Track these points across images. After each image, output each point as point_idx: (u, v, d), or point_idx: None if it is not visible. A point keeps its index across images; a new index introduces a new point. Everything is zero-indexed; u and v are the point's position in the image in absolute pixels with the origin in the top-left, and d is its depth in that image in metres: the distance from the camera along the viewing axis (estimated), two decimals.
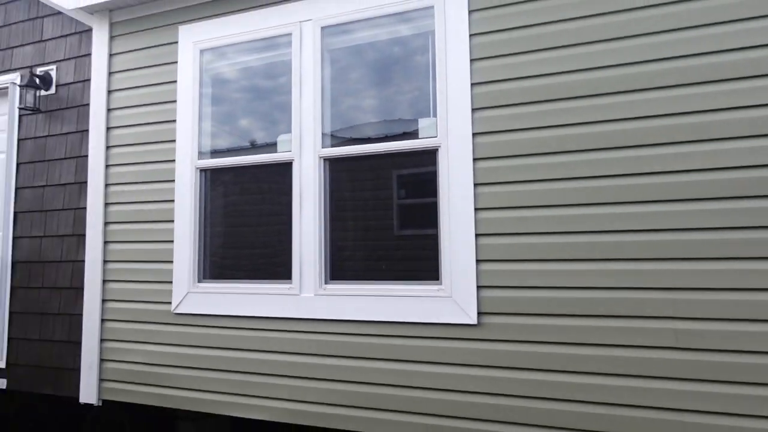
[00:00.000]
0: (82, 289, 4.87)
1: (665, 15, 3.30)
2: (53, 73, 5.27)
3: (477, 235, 3.59)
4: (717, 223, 3.10)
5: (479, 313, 3.55)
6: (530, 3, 3.61)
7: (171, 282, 4.50)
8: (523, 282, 3.47)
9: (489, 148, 3.61)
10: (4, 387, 5.15)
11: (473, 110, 3.67)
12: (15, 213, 5.31)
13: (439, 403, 3.61)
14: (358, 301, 3.86)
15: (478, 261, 3.58)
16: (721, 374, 3.03)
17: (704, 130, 3.17)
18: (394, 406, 3.71)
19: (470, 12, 3.73)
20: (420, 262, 3.79)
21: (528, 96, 3.55)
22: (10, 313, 5.21)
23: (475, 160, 3.64)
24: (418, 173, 3.86)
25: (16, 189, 5.33)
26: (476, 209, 3.61)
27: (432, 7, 3.83)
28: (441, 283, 3.65)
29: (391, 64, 4.00)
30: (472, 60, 3.70)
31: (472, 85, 3.69)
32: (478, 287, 3.56)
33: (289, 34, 4.28)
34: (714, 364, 3.05)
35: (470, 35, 3.72)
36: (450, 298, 3.61)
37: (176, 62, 4.68)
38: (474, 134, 3.65)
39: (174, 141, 4.61)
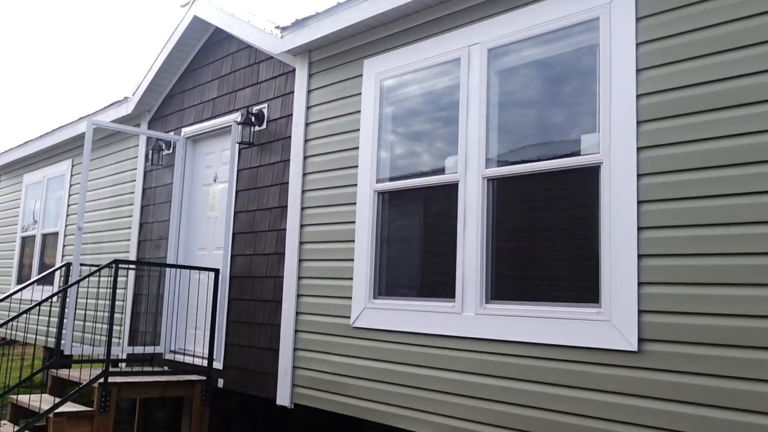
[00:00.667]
0: (280, 302, 5.41)
1: None
2: (265, 111, 6.00)
3: (639, 256, 3.34)
4: None
5: (640, 340, 3.28)
6: (700, 4, 3.31)
7: (350, 297, 4.82)
8: (691, 308, 3.14)
9: (651, 163, 3.36)
10: (221, 386, 5.88)
11: (638, 123, 3.45)
12: (233, 234, 6.09)
13: (581, 428, 3.40)
14: (516, 321, 3.79)
15: (640, 284, 3.32)
16: None
17: None
18: (544, 428, 3.57)
19: (637, 20, 3.53)
20: (580, 284, 3.62)
21: (696, 105, 3.25)
22: (228, 321, 5.96)
23: (639, 176, 3.41)
24: (581, 192, 3.71)
25: (235, 213, 6.12)
26: (639, 228, 3.36)
27: (597, 18, 3.70)
28: (600, 306, 3.45)
29: (555, 82, 3.92)
30: (638, 70, 3.49)
31: (638, 96, 3.47)
32: (640, 311, 3.30)
33: (458, 59, 4.40)
34: None
35: (636, 44, 3.51)
36: (609, 322, 3.39)
37: (360, 94, 5.06)
38: (639, 148, 3.43)
39: (356, 167, 4.97)
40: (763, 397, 2.88)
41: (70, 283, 6.01)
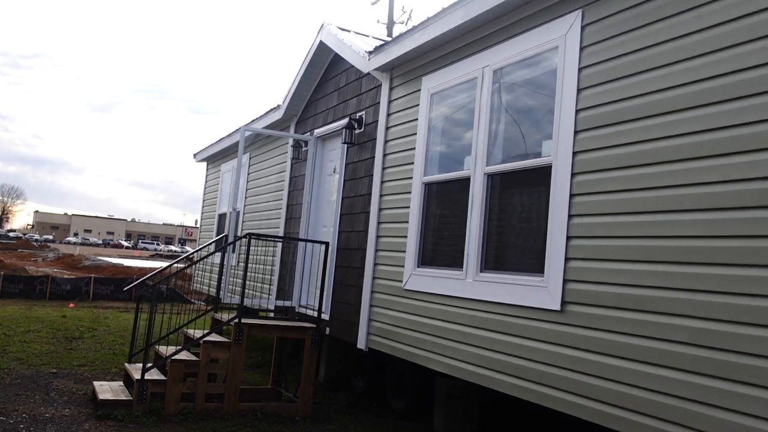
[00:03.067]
0: (363, 268, 6.91)
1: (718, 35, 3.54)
2: (363, 117, 7.49)
3: (568, 237, 4.29)
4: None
5: (563, 302, 4.25)
6: (624, 35, 4.13)
7: (403, 266, 6.16)
8: (601, 279, 4.04)
9: (582, 164, 4.27)
10: (328, 333, 7.56)
11: (575, 132, 4.36)
12: (340, 215, 7.70)
13: (525, 369, 4.44)
14: (494, 286, 4.90)
15: (566, 259, 4.28)
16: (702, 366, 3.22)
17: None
18: (498, 367, 4.66)
19: (581, 48, 4.42)
20: (535, 258, 4.62)
21: (613, 118, 4.10)
22: (334, 284, 7.60)
23: (572, 174, 4.34)
24: (540, 187, 4.68)
25: (342, 198, 7.72)
26: (569, 215, 4.31)
27: (557, 47, 4.63)
28: (544, 276, 4.45)
29: (531, 98, 4.90)
30: (578, 89, 4.39)
31: (577, 111, 4.38)
32: (565, 281, 4.27)
33: (476, 78, 5.51)
34: (716, 361, 3.26)
35: (579, 68, 4.41)
36: (546, 288, 4.39)
37: (418, 105, 6.33)
38: (574, 153, 4.35)
39: (413, 163, 6.27)
40: (651, 350, 3.72)
41: (224, 250, 8.05)
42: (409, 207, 6.23)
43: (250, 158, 11.77)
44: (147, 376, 6.51)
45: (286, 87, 9.19)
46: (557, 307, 4.28)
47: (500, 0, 4.97)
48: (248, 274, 8.59)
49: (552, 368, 4.31)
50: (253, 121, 10.89)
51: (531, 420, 6.62)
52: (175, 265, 7.71)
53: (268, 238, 7.97)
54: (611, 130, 4.11)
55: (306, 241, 7.79)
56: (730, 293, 3.28)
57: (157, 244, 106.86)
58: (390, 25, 27.55)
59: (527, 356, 4.52)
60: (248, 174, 11.73)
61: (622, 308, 3.86)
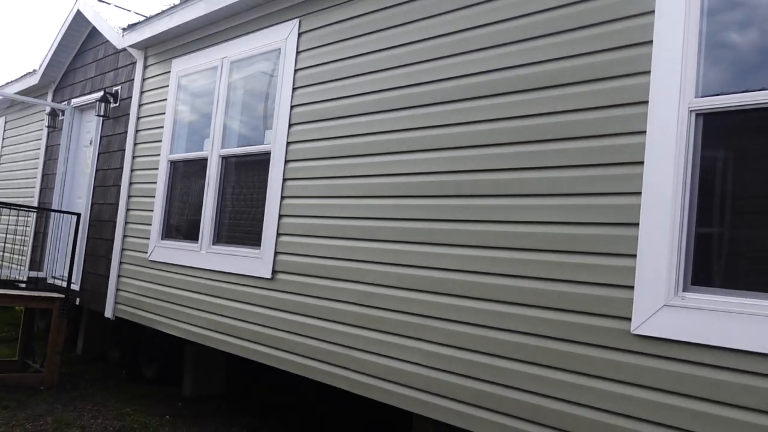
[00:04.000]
0: (113, 240, 7.12)
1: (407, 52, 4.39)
2: (119, 92, 7.61)
3: (280, 216, 5.00)
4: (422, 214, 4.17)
5: (273, 271, 4.96)
6: (330, 45, 4.87)
7: (149, 239, 6.51)
8: (301, 251, 4.79)
9: (294, 153, 4.98)
10: (78, 303, 7.65)
11: (290, 125, 5.05)
12: (94, 187, 7.77)
13: (244, 330, 5.11)
14: (223, 257, 5.48)
15: (278, 234, 4.98)
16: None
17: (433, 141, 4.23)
18: (226, 330, 5.29)
19: (297, 53, 5.10)
20: (256, 234, 5.28)
21: (318, 115, 4.84)
22: (85, 255, 7.69)
23: (286, 161, 5.03)
24: (264, 171, 5.33)
25: (96, 170, 7.79)
26: (282, 197, 5.01)
27: (279, 49, 5.27)
28: (260, 249, 5.12)
29: (262, 90, 5.51)
30: (294, 88, 5.08)
31: (292, 107, 5.07)
32: (276, 253, 4.98)
33: (217, 67, 5.99)
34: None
35: (295, 70, 5.09)
36: (261, 259, 5.07)
37: (168, 86, 6.66)
38: (288, 143, 5.04)
39: (161, 141, 6.60)
40: (335, 311, 4.54)
41: None
42: (156, 183, 6.57)
43: (6, 122, 11.12)
44: None
45: (45, 49, 8.90)
46: (269, 276, 4.98)
47: None
48: None
49: (266, 329, 5.01)
50: (6, 84, 10.31)
51: (278, 382, 7.33)
52: None
53: (15, 207, 7.79)
54: (316, 126, 4.85)
55: (56, 211, 7.76)
56: (389, 264, 4.16)
57: None
58: None
59: (248, 319, 5.17)
60: (3, 139, 11.08)
61: (316, 276, 4.65)
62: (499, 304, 3.46)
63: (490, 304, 3.50)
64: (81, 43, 8.77)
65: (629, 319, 2.91)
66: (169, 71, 6.69)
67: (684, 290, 2.77)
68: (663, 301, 2.79)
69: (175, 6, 6.28)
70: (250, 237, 5.36)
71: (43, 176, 9.19)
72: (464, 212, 3.74)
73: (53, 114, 8.92)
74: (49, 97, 9.38)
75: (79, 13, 8.30)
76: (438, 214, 3.89)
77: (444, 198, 3.87)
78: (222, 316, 5.43)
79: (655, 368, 2.82)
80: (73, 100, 8.67)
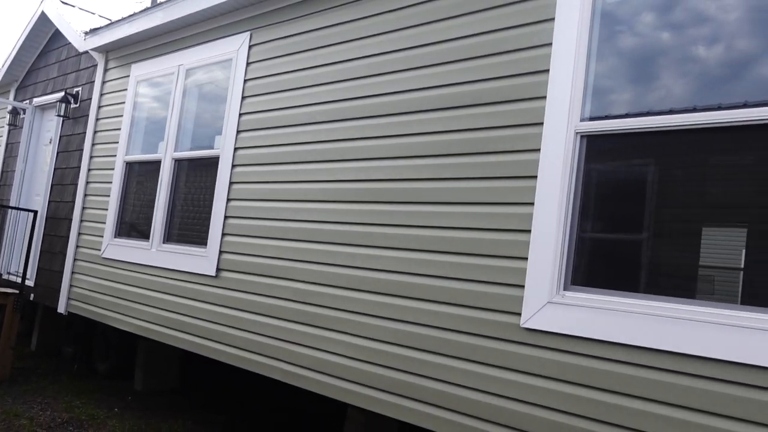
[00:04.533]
0: (68, 237, 7.32)
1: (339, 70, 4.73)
2: (79, 93, 7.82)
3: (225, 217, 5.29)
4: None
5: (218, 269, 5.25)
6: (277, 58, 5.19)
7: (103, 236, 6.74)
8: (242, 251, 5.09)
9: (240, 158, 5.29)
10: (32, 299, 7.82)
11: (237, 132, 5.36)
12: (52, 185, 7.96)
13: (192, 325, 5.39)
14: (171, 255, 5.75)
15: (223, 234, 5.27)
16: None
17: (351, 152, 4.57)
18: (175, 325, 5.56)
19: (247, 64, 5.42)
20: (204, 234, 5.56)
21: (261, 124, 5.16)
22: (41, 251, 7.86)
23: (233, 166, 5.33)
24: (212, 175, 5.62)
25: (55, 169, 7.98)
26: (228, 199, 5.30)
27: (231, 59, 5.58)
28: (207, 248, 5.41)
29: (214, 96, 5.81)
30: (243, 97, 5.39)
31: (240, 114, 5.37)
32: (220, 252, 5.27)
33: (173, 74, 6.27)
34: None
35: (245, 80, 5.40)
36: (207, 257, 5.36)
37: (127, 89, 6.91)
38: (235, 148, 5.34)
39: (118, 142, 6.84)
40: (273, 306, 4.84)
41: None
42: (111, 182, 6.80)
43: None
44: None
45: (10, 47, 9.06)
46: (213, 273, 5.27)
47: (190, 11, 5.79)
48: None
49: (212, 324, 5.28)
50: None
51: (234, 378, 7.59)
52: None
53: None
54: (261, 133, 5.17)
55: (13, 208, 7.92)
56: (323, 263, 4.48)
57: None
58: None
59: (196, 315, 5.44)
60: None
61: (257, 274, 4.95)
62: (412, 300, 3.82)
63: (405, 300, 3.86)
64: (45, 43, 8.96)
65: (520, 314, 3.28)
66: (129, 75, 6.94)
67: (565, 289, 3.15)
68: (547, 299, 3.17)
69: (135, 14, 6.55)
70: (198, 236, 5.64)
71: (2, 173, 9.32)
72: (380, 217, 4.09)
73: (14, 112, 9.07)
74: (11, 96, 9.53)
75: (43, 14, 8.50)
76: (359, 218, 4.24)
77: (364, 204, 4.22)
78: (172, 312, 5.69)
79: (541, 358, 3.20)
80: (35, 99, 8.84)
